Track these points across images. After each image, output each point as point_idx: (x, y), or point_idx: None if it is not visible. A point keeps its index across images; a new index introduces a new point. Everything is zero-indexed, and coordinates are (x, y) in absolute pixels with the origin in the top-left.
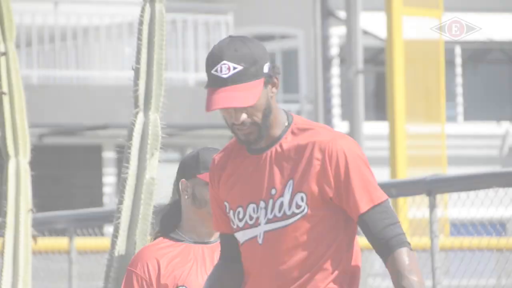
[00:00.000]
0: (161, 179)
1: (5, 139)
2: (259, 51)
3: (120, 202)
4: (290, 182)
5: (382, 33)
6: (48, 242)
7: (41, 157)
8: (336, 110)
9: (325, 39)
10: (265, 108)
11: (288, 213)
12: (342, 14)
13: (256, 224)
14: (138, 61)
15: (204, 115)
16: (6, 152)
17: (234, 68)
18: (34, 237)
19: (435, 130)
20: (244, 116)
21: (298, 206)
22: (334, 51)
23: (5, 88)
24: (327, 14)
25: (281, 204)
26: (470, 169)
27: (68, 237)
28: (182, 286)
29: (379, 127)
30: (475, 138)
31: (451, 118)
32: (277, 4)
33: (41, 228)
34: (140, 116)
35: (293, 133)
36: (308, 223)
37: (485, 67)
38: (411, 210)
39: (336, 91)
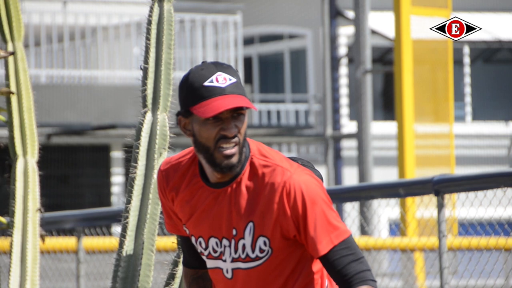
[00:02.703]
0: None
1: (13, 139)
2: None
3: (128, 202)
4: (250, 224)
5: (391, 32)
6: (56, 241)
7: (49, 156)
8: (344, 110)
9: (333, 38)
10: (245, 135)
11: (252, 256)
12: (350, 14)
13: (220, 257)
14: (146, 60)
15: None
16: (14, 152)
17: (230, 80)
18: (42, 237)
19: (443, 130)
20: (236, 130)
21: (261, 250)
22: (342, 50)
23: (13, 88)
24: (336, 14)
25: (244, 247)
26: (478, 169)
27: (76, 236)
28: None
29: (387, 127)
30: (483, 138)
31: (459, 118)
32: (286, 4)
33: (49, 227)
34: (148, 115)
35: (251, 169)
36: (274, 262)
37: (494, 66)
38: (419, 210)
39: (344, 91)
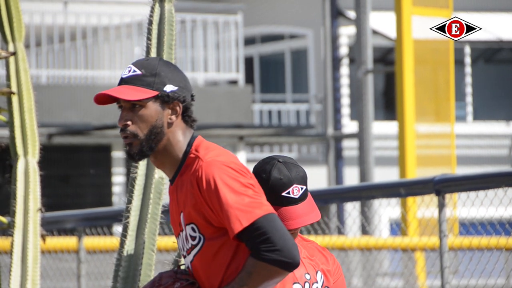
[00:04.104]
0: None
1: (14, 139)
2: (170, 72)
3: (129, 202)
4: (182, 215)
5: (392, 32)
6: (57, 241)
7: (50, 156)
8: (345, 110)
9: (335, 38)
10: (155, 126)
11: (193, 243)
12: (351, 14)
13: (183, 255)
14: None
15: (213, 114)
16: (15, 152)
17: (134, 71)
18: (43, 237)
19: (444, 129)
20: (128, 121)
21: (193, 238)
22: (343, 50)
23: (14, 88)
24: (337, 14)
25: (186, 237)
26: (479, 169)
27: (77, 236)
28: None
29: (388, 127)
30: (484, 138)
31: (460, 118)
32: (287, 4)
33: (50, 227)
34: None
35: (186, 165)
36: (211, 250)
37: (495, 66)
38: (420, 210)
39: (345, 91)
